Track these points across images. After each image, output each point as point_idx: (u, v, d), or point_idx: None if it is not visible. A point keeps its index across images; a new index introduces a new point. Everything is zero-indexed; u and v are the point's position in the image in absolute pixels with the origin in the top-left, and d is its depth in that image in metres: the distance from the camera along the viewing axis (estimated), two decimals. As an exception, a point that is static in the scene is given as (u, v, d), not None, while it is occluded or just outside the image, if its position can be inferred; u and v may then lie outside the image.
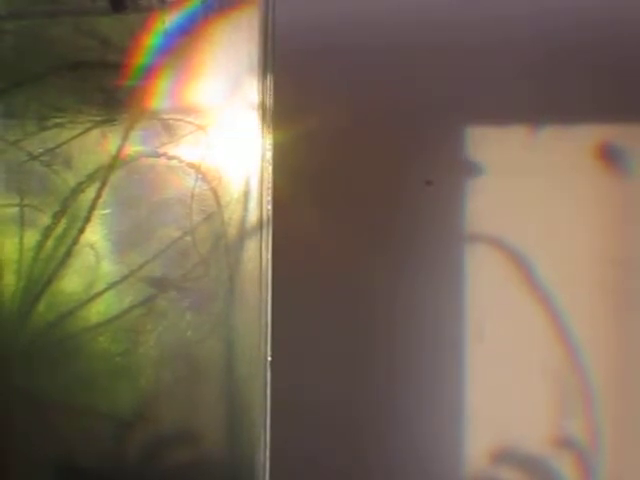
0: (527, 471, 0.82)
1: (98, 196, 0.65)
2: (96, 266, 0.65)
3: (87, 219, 0.65)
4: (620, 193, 0.82)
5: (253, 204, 0.66)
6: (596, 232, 0.82)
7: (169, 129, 0.65)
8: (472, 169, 0.81)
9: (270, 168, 0.67)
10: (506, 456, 0.83)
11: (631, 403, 0.82)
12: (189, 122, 0.65)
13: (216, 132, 0.66)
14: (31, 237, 0.64)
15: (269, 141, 0.67)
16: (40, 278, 0.65)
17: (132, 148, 0.65)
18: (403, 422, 0.84)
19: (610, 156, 0.82)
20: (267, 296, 0.66)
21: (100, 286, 0.65)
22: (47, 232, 0.64)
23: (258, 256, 0.66)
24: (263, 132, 0.67)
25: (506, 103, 0.82)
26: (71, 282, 0.65)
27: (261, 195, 0.66)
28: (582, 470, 0.82)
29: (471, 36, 0.82)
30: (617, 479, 0.82)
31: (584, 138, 0.81)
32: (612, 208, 0.82)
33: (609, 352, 0.82)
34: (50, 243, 0.64)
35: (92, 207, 0.65)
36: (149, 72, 0.65)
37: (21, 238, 0.64)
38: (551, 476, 0.82)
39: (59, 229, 0.65)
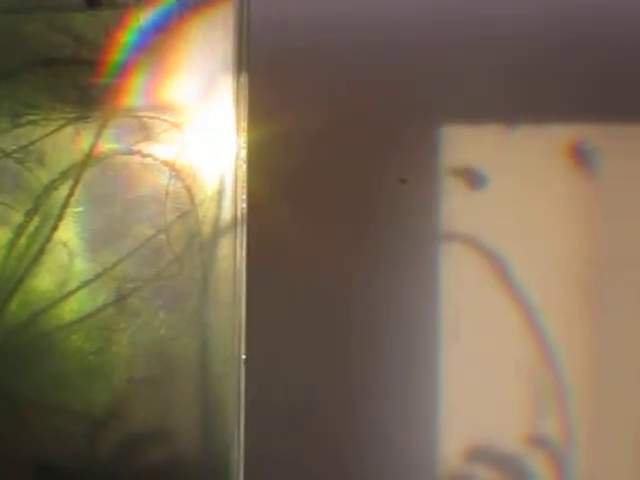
0: (501, 469, 0.83)
1: (71, 194, 0.65)
2: (69, 264, 0.65)
3: (60, 217, 0.65)
4: (594, 192, 0.82)
5: (228, 202, 0.66)
6: (570, 231, 0.82)
7: (143, 127, 0.65)
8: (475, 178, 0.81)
9: (245, 166, 0.67)
10: (481, 454, 0.83)
11: (605, 402, 0.82)
12: (164, 120, 0.65)
13: (191, 130, 0.66)
14: (3, 235, 0.64)
15: (244, 139, 0.67)
16: (13, 276, 0.64)
17: (106, 146, 0.65)
18: (378, 421, 0.84)
19: (584, 155, 0.82)
20: (241, 294, 0.66)
21: (73, 284, 0.65)
22: (20, 230, 0.64)
23: (232, 254, 0.66)
24: (238, 130, 0.66)
25: (480, 102, 0.82)
26: (44, 280, 0.65)
27: (236, 193, 0.66)
28: (556, 468, 0.82)
29: (446, 36, 0.82)
30: (590, 477, 0.82)
31: (558, 137, 0.82)
32: (586, 207, 0.82)
33: (583, 351, 0.82)
34: (23, 241, 0.64)
35: (65, 205, 0.65)
36: (124, 69, 0.65)
37: (-7, 236, 0.64)
38: (525, 474, 0.83)
39: (32, 227, 0.64)
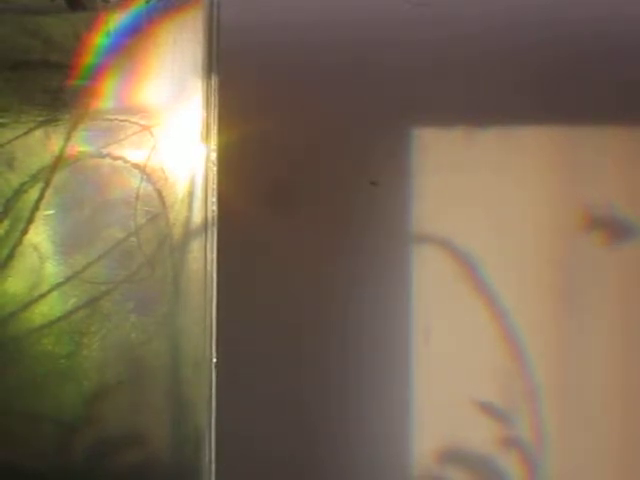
0: (473, 470, 0.83)
1: (42, 197, 0.64)
2: (40, 267, 0.65)
3: (30, 220, 0.64)
4: (566, 195, 0.82)
5: (198, 205, 0.66)
6: (542, 233, 0.83)
7: (114, 129, 0.65)
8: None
9: (215, 169, 0.67)
10: (453, 455, 0.83)
11: (575, 403, 0.83)
12: (134, 122, 0.65)
13: (161, 133, 0.66)
14: (-27, 238, 0.64)
15: (214, 142, 0.67)
16: (-18, 280, 0.64)
17: (76, 148, 0.65)
18: (351, 422, 0.84)
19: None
20: (212, 297, 0.66)
21: (44, 287, 0.65)
22: (-11, 233, 0.64)
23: (203, 257, 0.66)
24: (208, 133, 0.66)
25: (451, 104, 0.83)
26: (14, 284, 0.64)
27: (206, 196, 0.66)
28: (527, 469, 0.83)
29: (417, 37, 0.82)
30: (561, 478, 0.83)
31: (528, 138, 0.82)
32: (558, 210, 0.82)
33: (554, 352, 0.83)
34: (-7, 244, 0.64)
35: (36, 208, 0.64)
36: (94, 72, 0.65)
37: (-38, 239, 0.64)
38: (497, 475, 0.83)
39: (2, 230, 0.64)
